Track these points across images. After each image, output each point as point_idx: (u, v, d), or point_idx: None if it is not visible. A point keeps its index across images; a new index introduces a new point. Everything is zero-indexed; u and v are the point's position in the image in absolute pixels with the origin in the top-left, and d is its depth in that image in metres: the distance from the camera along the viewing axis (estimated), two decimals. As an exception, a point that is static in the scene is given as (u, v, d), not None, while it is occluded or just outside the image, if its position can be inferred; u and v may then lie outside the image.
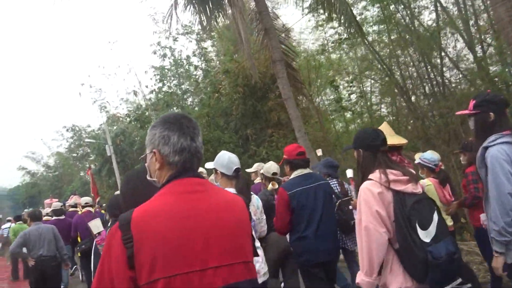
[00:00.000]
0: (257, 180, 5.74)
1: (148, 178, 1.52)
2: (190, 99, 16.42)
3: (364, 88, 14.05)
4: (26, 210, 18.99)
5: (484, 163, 2.59)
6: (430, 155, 4.63)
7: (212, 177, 3.49)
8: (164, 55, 18.34)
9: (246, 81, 13.60)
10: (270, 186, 4.69)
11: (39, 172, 38.99)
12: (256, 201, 3.46)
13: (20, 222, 11.76)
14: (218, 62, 17.37)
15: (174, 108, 16.20)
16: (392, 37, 11.27)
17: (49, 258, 6.17)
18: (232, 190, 2.97)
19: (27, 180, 39.94)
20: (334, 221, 3.78)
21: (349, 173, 5.05)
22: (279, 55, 8.03)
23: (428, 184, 4.44)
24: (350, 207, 4.66)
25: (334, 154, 11.97)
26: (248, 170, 6.33)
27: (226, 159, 3.14)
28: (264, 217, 3.60)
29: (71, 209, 9.34)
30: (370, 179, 2.34)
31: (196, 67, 16.24)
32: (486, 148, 2.59)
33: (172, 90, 16.30)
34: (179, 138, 1.42)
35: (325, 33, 13.47)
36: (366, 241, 2.24)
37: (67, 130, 29.50)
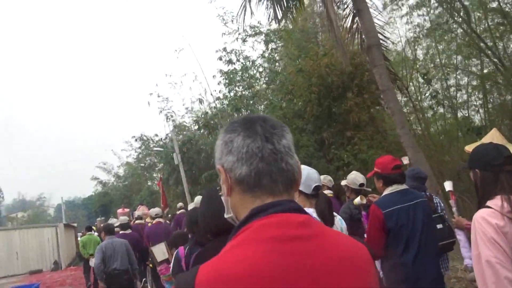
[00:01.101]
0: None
1: (226, 216, 1.10)
2: (261, 106, 15.53)
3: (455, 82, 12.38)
4: (98, 219, 19.30)
5: None
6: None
7: None
8: (230, 61, 17.92)
9: (322, 80, 12.56)
10: (357, 200, 4.22)
11: (110, 182, 40.40)
12: (340, 223, 3.05)
13: (90, 232, 11.73)
14: (284, 64, 16.51)
15: (243, 112, 15.51)
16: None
17: (122, 272, 6.24)
18: (311, 211, 2.65)
19: (99, 190, 41.54)
20: (436, 245, 3.29)
21: (448, 185, 4.27)
22: (376, 39, 6.89)
23: None
24: (440, 226, 3.79)
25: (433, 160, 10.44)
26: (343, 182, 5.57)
27: (304, 175, 2.72)
28: None
29: (137, 222, 9.29)
30: (488, 207, 1.94)
31: (264, 69, 15.40)
32: None
33: (240, 93, 15.61)
34: (244, 140, 0.99)
35: (411, 22, 12.02)
36: (492, 280, 1.77)
37: (136, 140, 30.07)
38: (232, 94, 16.29)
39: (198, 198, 5.85)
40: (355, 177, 4.47)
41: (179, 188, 22.10)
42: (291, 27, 12.53)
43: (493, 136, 3.53)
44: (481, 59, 10.33)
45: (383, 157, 3.42)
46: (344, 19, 7.88)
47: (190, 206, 6.30)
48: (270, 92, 15.38)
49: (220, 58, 18.22)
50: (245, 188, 0.99)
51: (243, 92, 15.74)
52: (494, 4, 9.99)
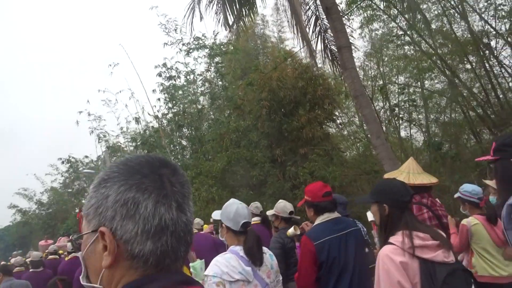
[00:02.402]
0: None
1: (83, 282, 0.87)
2: (205, 123, 14.49)
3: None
4: (14, 252, 16.76)
5: None
6: (471, 187, 3.95)
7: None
8: (170, 77, 16.81)
9: (273, 94, 11.87)
10: (291, 231, 4.10)
11: (31, 210, 36.32)
12: (270, 259, 2.78)
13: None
14: (229, 81, 15.75)
15: (186, 130, 14.36)
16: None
17: None
18: (238, 248, 2.55)
19: (18, 219, 37.17)
20: (368, 277, 3.08)
21: (370, 216, 4.16)
22: (346, 40, 6.24)
23: (474, 223, 3.75)
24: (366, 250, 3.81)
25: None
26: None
27: (233, 211, 2.63)
28: (281, 278, 2.90)
29: (50, 257, 7.84)
30: (391, 244, 1.98)
31: (209, 83, 14.45)
32: None
33: (183, 110, 14.48)
34: (156, 206, 0.79)
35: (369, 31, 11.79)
36: None
37: (63, 162, 27.30)
38: (174, 110, 15.09)
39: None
40: (284, 205, 4.36)
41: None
42: (241, 35, 11.79)
43: (409, 165, 3.55)
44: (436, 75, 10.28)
45: (313, 184, 3.26)
46: (306, 22, 7.23)
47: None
48: (215, 108, 14.40)
49: (160, 74, 17.09)
50: (138, 265, 0.79)
51: (186, 109, 14.60)
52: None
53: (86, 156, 26.08)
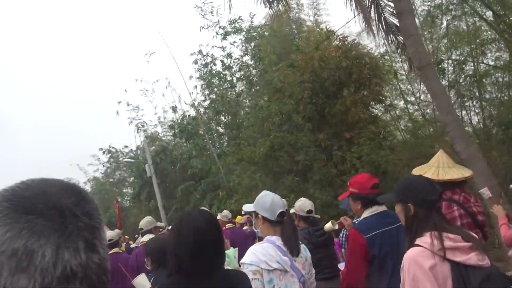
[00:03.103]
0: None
1: None
2: (244, 109, 14.02)
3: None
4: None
5: None
6: None
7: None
8: (206, 64, 16.46)
9: (315, 76, 11.20)
10: (328, 226, 4.10)
11: (76, 200, 37.56)
12: (304, 252, 2.73)
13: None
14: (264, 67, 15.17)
15: (225, 116, 13.94)
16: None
17: None
18: (275, 238, 2.52)
19: (63, 209, 38.56)
20: None
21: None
22: (407, 3, 5.47)
23: None
24: None
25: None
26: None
27: (269, 201, 2.58)
28: (314, 271, 2.84)
29: None
30: (419, 246, 1.84)
31: (247, 67, 13.91)
32: None
33: (222, 94, 14.07)
34: (58, 252, 0.62)
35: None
36: None
37: (104, 152, 27.78)
38: (211, 96, 14.72)
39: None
40: (303, 204, 4.27)
41: (152, 203, 20.14)
42: (282, 13, 11.18)
43: (439, 159, 3.30)
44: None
45: (359, 175, 3.16)
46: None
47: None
48: (253, 94, 13.89)
49: (196, 62, 16.81)
50: None
51: (224, 95, 14.18)
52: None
53: (126, 146, 26.34)
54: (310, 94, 11.09)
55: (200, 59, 16.82)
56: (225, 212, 7.73)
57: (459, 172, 3.14)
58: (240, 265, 2.52)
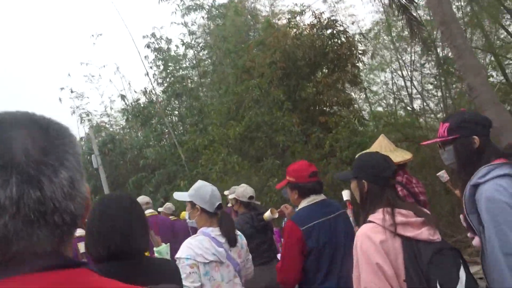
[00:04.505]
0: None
1: None
2: (207, 92, 12.89)
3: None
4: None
5: (476, 208, 1.88)
6: None
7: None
8: (159, 49, 15.15)
9: (287, 55, 10.35)
10: (267, 214, 4.06)
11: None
12: (240, 239, 2.77)
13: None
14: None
15: (185, 99, 12.74)
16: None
17: None
18: (210, 230, 2.56)
19: None
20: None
21: (346, 195, 3.85)
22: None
23: None
24: None
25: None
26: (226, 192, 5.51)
27: (209, 192, 2.61)
28: (250, 256, 2.92)
29: None
30: (371, 221, 1.85)
31: (210, 46, 12.79)
32: (477, 186, 1.88)
33: (182, 76, 12.87)
34: None
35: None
36: None
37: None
38: (170, 79, 13.45)
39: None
40: (244, 190, 4.27)
41: (99, 197, 18.42)
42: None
43: (381, 143, 3.48)
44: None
45: (297, 163, 3.01)
46: None
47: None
48: (217, 75, 12.81)
49: (148, 46, 15.42)
50: None
51: (186, 74, 12.99)
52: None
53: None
54: (281, 76, 10.25)
55: (153, 42, 15.50)
56: (169, 204, 7.13)
57: (400, 155, 3.28)
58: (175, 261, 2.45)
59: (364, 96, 11.79)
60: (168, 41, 15.40)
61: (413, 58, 11.98)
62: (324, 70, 10.70)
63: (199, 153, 11.08)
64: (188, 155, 11.72)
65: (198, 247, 2.41)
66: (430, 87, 11.90)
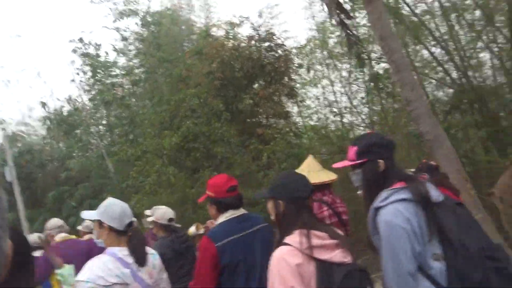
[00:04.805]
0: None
1: None
2: (140, 102, 12.28)
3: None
4: None
5: (377, 230, 1.90)
6: None
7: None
8: (86, 54, 14.30)
9: (225, 66, 10.20)
10: (192, 230, 4.15)
11: None
12: (152, 259, 2.62)
13: None
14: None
15: (113, 109, 12.02)
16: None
17: None
18: (117, 250, 2.42)
19: None
20: None
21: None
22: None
23: None
24: None
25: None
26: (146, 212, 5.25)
27: (118, 210, 2.49)
28: (165, 275, 2.75)
29: None
30: (287, 244, 1.84)
31: (144, 55, 12.25)
32: (378, 209, 1.91)
33: (113, 83, 12.15)
34: None
35: None
36: None
37: None
38: (98, 86, 12.66)
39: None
40: (164, 212, 4.08)
41: (12, 214, 16.63)
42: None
43: (309, 163, 3.51)
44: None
45: (216, 177, 2.94)
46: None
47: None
48: (151, 83, 12.29)
49: (75, 51, 14.47)
50: None
51: (116, 82, 12.27)
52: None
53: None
54: (219, 86, 10.05)
55: (80, 48, 14.56)
56: (87, 222, 6.56)
57: (326, 175, 3.34)
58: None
59: (297, 109, 11.96)
60: (98, 47, 14.58)
61: (343, 74, 12.51)
62: (261, 82, 10.69)
63: (129, 165, 10.46)
64: (117, 167, 10.97)
65: (100, 268, 2.28)
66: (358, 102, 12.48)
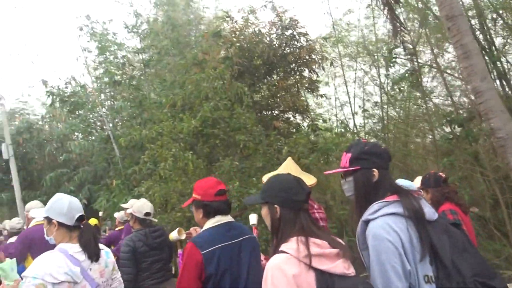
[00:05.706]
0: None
1: None
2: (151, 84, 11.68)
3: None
4: None
5: (367, 245, 1.81)
6: (408, 183, 3.38)
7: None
8: (93, 34, 13.63)
9: (244, 52, 9.63)
10: (173, 235, 4.02)
11: None
12: (105, 257, 2.63)
13: None
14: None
15: (122, 87, 11.42)
16: None
17: None
18: (69, 246, 2.42)
19: None
20: None
21: (253, 218, 3.70)
22: None
23: None
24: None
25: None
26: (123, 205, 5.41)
27: (66, 204, 2.48)
28: (118, 275, 2.78)
29: None
30: (284, 252, 1.72)
31: (156, 34, 11.63)
32: (367, 222, 1.83)
33: (124, 61, 11.54)
34: None
35: None
36: None
37: None
38: (105, 65, 12.04)
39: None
40: (142, 205, 4.11)
41: (7, 195, 16.00)
42: None
43: (288, 166, 3.41)
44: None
45: (204, 180, 2.73)
46: None
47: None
48: (163, 66, 11.71)
49: (81, 29, 13.78)
50: None
51: (127, 60, 11.66)
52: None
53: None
54: (236, 74, 9.48)
55: (87, 25, 13.89)
56: (121, 213, 6.74)
57: (307, 179, 3.10)
58: (22, 278, 2.32)
59: (315, 104, 11.46)
60: (106, 23, 13.92)
61: (358, 75, 11.97)
62: (280, 73, 10.13)
63: (135, 149, 9.89)
64: (122, 151, 10.39)
65: (49, 265, 2.26)
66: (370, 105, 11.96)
